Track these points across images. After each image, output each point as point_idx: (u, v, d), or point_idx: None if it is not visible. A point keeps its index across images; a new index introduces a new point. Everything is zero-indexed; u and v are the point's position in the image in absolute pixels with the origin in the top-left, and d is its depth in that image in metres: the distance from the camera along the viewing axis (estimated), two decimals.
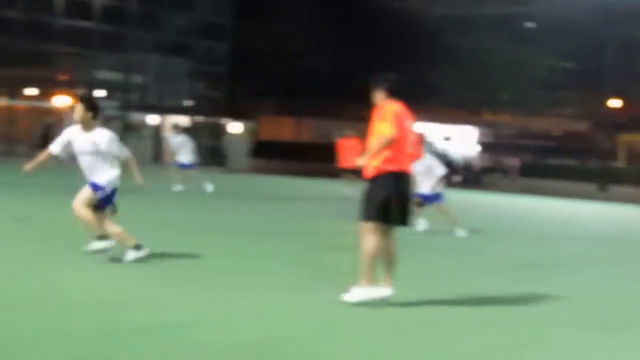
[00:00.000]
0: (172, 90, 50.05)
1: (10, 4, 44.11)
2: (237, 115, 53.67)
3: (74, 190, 8.99)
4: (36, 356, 5.24)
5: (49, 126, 36.69)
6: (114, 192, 8.85)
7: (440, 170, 13.80)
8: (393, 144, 7.14)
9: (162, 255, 9.47)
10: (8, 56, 43.86)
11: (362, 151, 7.43)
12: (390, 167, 7.19)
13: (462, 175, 39.73)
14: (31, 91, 47.93)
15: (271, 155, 47.86)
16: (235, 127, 52.83)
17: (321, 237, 13.04)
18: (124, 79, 47.98)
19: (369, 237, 7.21)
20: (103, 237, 8.88)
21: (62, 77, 47.23)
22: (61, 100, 46.03)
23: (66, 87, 47.61)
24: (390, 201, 7.16)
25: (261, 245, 11.42)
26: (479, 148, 54.92)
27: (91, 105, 8.78)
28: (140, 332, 5.98)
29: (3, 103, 45.40)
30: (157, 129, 49.06)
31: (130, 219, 11.19)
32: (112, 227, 8.82)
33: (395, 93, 7.42)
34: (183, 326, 6.19)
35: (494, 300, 8.14)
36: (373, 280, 7.26)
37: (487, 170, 44.40)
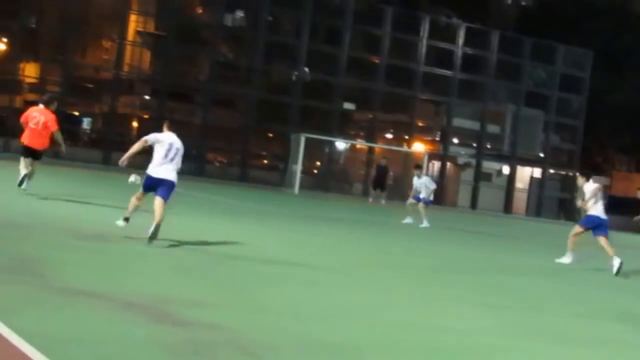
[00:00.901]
0: (526, 141, 49.98)
1: (376, 51, 46.88)
2: (590, 169, 52.16)
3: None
4: None
5: (383, 168, 38.19)
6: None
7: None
8: None
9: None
10: (370, 100, 46.57)
11: None
12: None
13: None
14: (389, 135, 50.58)
15: (624, 211, 45.89)
16: None
17: None
18: (480, 127, 48.85)
19: None
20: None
21: (419, 123, 49.01)
22: (417, 146, 47.89)
23: (422, 133, 49.48)
24: None
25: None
26: None
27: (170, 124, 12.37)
28: None
29: (363, 145, 48.18)
30: (510, 179, 49.34)
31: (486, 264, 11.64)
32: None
33: None
34: None
35: None
36: None
37: None
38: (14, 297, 6.62)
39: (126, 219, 11.95)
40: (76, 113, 45.42)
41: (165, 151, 11.74)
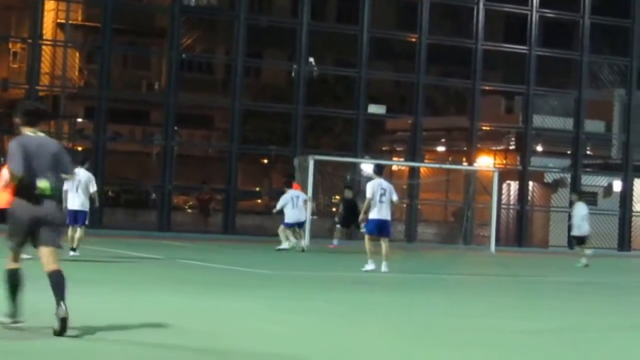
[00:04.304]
0: None
1: (412, 25, 46.33)
2: None
3: None
4: None
5: (351, 201, 36.60)
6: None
7: None
8: None
9: None
10: (408, 98, 46.16)
11: None
12: None
13: None
14: (439, 148, 49.89)
15: None
16: None
17: None
18: (574, 125, 48.09)
19: None
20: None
21: (483, 127, 48.46)
22: (482, 162, 47.14)
23: (488, 141, 48.85)
24: None
25: None
26: None
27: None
28: None
29: (401, 166, 47.39)
30: (624, 200, 48.25)
31: None
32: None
33: None
34: None
35: None
36: None
37: None
38: None
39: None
40: None
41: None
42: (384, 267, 23.82)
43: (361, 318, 15.03)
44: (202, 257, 28.01)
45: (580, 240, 31.92)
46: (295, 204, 32.09)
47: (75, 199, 23.08)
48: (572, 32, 48.20)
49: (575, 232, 32.03)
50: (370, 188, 24.11)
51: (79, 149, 45.45)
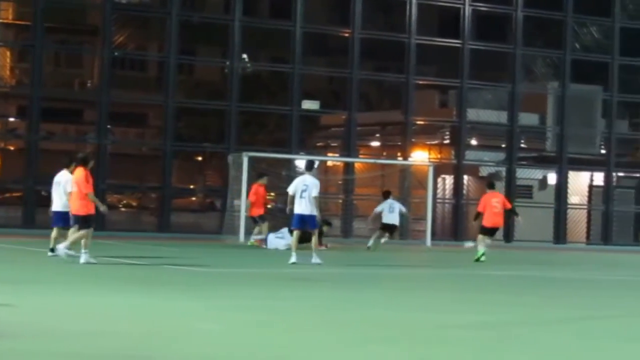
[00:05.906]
0: (579, 132, 49.09)
1: (344, 20, 46.21)
2: None
3: None
4: None
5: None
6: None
7: None
8: None
9: None
10: (341, 93, 45.94)
11: None
12: None
13: None
14: (374, 143, 49.70)
15: None
16: None
17: None
18: (508, 119, 48.17)
19: None
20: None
21: (417, 121, 48.42)
22: (417, 156, 47.01)
23: (423, 135, 48.76)
24: None
25: None
26: None
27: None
28: None
29: (336, 162, 47.10)
30: (559, 192, 48.31)
31: None
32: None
33: None
34: None
35: None
36: None
37: None
38: None
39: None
40: None
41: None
42: (314, 259, 24.79)
43: (297, 314, 14.89)
44: (136, 255, 27.70)
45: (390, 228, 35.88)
46: None
47: (58, 201, 23.22)
48: (505, 26, 48.29)
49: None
50: (293, 185, 25.48)
51: (11, 148, 45.10)
